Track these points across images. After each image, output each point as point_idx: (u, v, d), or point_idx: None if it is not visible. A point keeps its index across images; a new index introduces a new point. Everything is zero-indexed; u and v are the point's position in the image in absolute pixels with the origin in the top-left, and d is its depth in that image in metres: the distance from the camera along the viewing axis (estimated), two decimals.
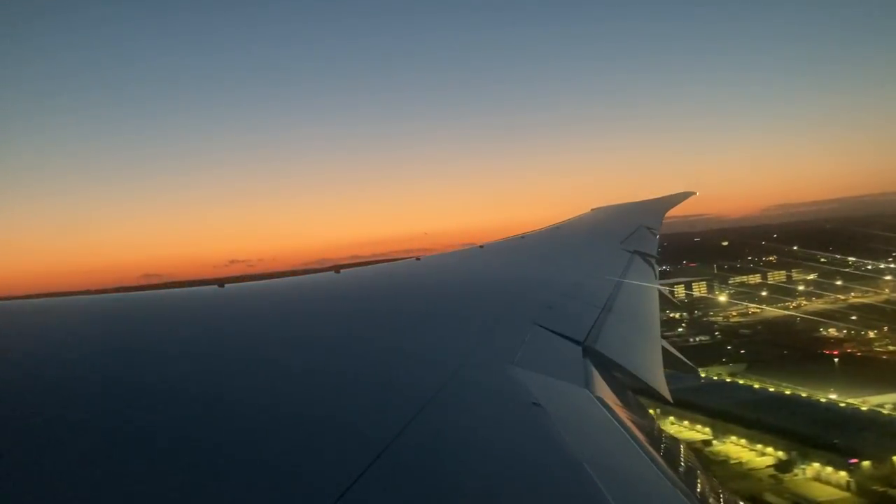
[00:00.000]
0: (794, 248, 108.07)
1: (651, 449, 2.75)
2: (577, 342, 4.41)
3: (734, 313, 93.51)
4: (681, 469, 2.91)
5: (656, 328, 6.78)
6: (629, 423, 3.02)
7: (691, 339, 78.78)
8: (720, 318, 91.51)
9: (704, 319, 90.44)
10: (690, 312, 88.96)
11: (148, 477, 1.44)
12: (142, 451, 1.55)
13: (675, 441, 3.47)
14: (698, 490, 2.68)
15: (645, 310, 7.33)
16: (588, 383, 3.54)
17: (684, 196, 17.23)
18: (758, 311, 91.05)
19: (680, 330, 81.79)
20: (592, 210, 15.68)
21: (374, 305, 4.43)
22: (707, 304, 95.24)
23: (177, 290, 4.27)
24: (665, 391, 4.68)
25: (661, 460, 2.66)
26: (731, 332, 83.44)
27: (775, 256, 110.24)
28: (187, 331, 2.96)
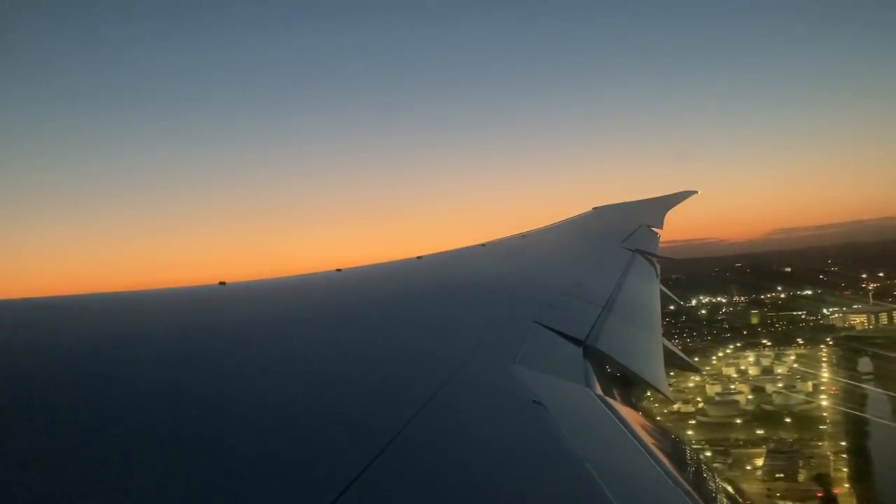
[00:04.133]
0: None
1: (653, 447, 2.74)
2: (578, 341, 4.41)
3: None
4: (683, 468, 2.89)
5: (658, 327, 6.78)
6: (630, 421, 3.00)
7: None
8: None
9: None
10: None
11: (151, 473, 1.43)
12: (143, 450, 1.53)
13: (678, 440, 3.45)
14: (700, 489, 2.65)
15: (646, 308, 7.33)
16: (589, 382, 3.54)
17: (686, 195, 17.13)
18: None
19: None
20: (594, 209, 15.40)
21: (374, 304, 4.42)
22: None
23: (175, 288, 4.21)
24: (666, 389, 4.61)
25: (663, 459, 2.64)
26: None
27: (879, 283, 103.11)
28: (187, 329, 2.90)
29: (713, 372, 74.76)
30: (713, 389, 66.52)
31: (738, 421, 58.33)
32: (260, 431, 1.77)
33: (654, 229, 13.30)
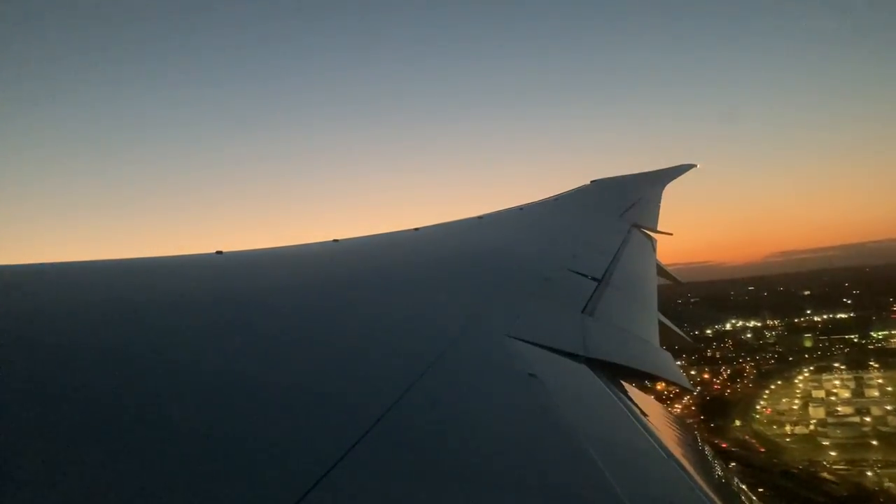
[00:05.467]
0: None
1: (647, 422, 2.76)
2: (573, 314, 4.40)
3: None
4: (678, 443, 2.92)
5: (653, 301, 6.73)
6: (626, 396, 3.02)
7: None
8: None
9: None
10: None
11: (154, 434, 1.42)
12: (136, 419, 1.49)
13: (673, 415, 3.49)
14: (695, 463, 2.67)
15: (643, 283, 7.28)
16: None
17: (686, 168, 16.79)
18: None
19: None
20: (592, 182, 15.00)
21: (370, 275, 4.36)
22: None
23: (172, 257, 4.10)
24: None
25: (657, 433, 2.65)
26: None
27: None
28: (184, 298, 2.81)
29: (802, 395, 76.44)
30: (817, 412, 67.93)
31: (875, 442, 59.46)
32: (259, 398, 1.78)
33: (654, 203, 13.06)
